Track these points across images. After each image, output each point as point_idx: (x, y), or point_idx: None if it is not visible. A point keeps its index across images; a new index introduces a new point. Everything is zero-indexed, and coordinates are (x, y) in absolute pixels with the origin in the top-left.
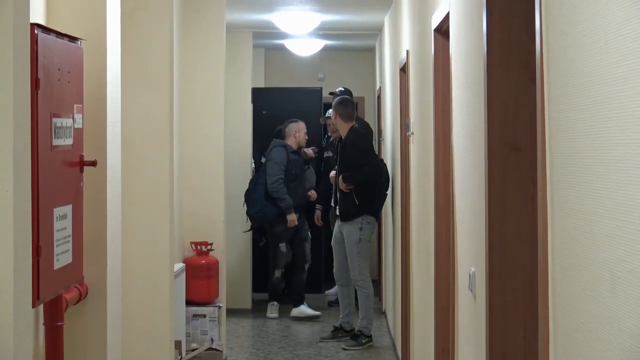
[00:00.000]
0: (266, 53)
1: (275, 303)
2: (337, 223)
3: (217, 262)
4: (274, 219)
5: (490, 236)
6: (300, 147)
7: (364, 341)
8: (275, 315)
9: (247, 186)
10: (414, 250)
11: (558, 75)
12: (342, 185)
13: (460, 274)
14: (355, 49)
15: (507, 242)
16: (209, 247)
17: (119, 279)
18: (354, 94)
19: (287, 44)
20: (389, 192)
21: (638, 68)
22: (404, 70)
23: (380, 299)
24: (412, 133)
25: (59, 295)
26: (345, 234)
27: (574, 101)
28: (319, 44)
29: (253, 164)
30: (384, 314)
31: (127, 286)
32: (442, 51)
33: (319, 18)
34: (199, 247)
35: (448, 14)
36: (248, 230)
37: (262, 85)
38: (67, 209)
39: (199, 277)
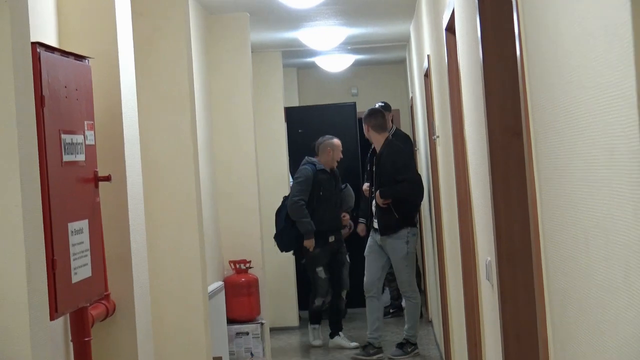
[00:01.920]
0: (298, 72)
1: (317, 326)
2: (374, 235)
3: (256, 280)
4: (297, 241)
5: (496, 222)
6: (332, 167)
7: (409, 349)
8: (319, 342)
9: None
10: (447, 253)
11: (537, 61)
12: (379, 201)
13: (480, 266)
14: (386, 62)
15: (513, 227)
16: (247, 264)
17: (147, 295)
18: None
19: (318, 61)
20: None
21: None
22: (427, 75)
23: (426, 308)
24: (438, 136)
25: (84, 311)
26: (390, 248)
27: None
28: (349, 59)
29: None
30: (430, 322)
31: (160, 304)
32: (452, 49)
33: (344, 32)
34: (237, 266)
35: (454, 10)
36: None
37: (296, 104)
38: (83, 224)
39: (240, 295)
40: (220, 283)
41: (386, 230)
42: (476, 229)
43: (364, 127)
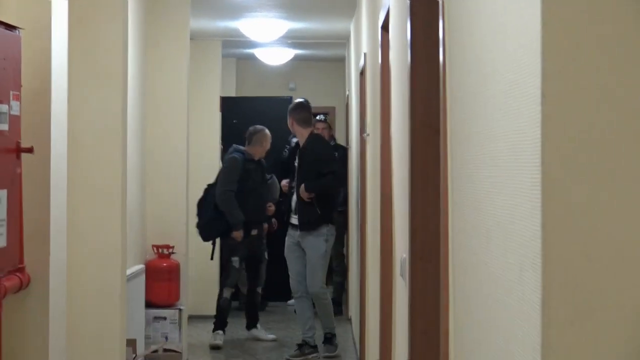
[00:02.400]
0: (237, 62)
1: (221, 332)
2: (292, 232)
3: (178, 265)
4: (223, 232)
5: (412, 219)
6: (260, 158)
7: (336, 341)
8: (219, 342)
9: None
10: (368, 250)
11: (456, 64)
12: (303, 195)
13: (396, 264)
14: (326, 59)
15: (428, 224)
16: (170, 250)
17: (63, 272)
18: (325, 104)
19: (258, 53)
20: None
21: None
22: (362, 73)
23: (347, 306)
24: (368, 134)
25: None
26: (308, 245)
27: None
28: (289, 53)
29: None
30: (349, 320)
31: (77, 282)
32: (386, 48)
33: (286, 25)
34: (160, 250)
35: (389, 9)
36: (212, 254)
37: (233, 95)
38: (1, 194)
39: (160, 280)
40: (141, 266)
41: (306, 226)
42: (395, 226)
43: (289, 120)
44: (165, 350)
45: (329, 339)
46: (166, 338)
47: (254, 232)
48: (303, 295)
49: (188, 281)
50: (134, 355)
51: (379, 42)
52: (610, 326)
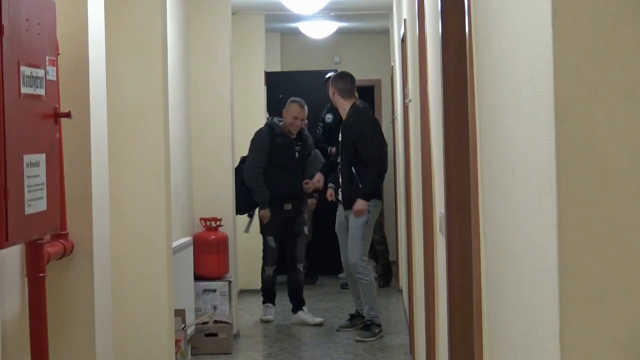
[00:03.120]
0: (282, 38)
1: (271, 305)
2: (340, 208)
3: (226, 238)
4: (253, 207)
5: (447, 169)
6: (288, 131)
7: (376, 331)
8: (270, 317)
9: None
10: (414, 216)
11: (482, 34)
12: (362, 206)
13: (436, 221)
14: (370, 31)
15: (462, 175)
16: (218, 222)
17: (107, 239)
18: (370, 77)
19: (301, 26)
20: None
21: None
22: (403, 40)
23: (397, 279)
24: (410, 100)
25: (40, 246)
26: (351, 217)
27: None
28: (332, 26)
29: None
30: (400, 291)
31: (122, 251)
32: (422, 12)
33: None
34: (208, 223)
35: None
36: (247, 228)
37: (278, 70)
38: (40, 157)
39: (208, 252)
40: (189, 238)
41: (350, 203)
42: (434, 185)
43: (330, 89)
44: (215, 322)
45: (368, 325)
46: (214, 308)
47: (287, 207)
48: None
49: (238, 255)
50: (183, 325)
51: (416, 8)
52: (625, 242)
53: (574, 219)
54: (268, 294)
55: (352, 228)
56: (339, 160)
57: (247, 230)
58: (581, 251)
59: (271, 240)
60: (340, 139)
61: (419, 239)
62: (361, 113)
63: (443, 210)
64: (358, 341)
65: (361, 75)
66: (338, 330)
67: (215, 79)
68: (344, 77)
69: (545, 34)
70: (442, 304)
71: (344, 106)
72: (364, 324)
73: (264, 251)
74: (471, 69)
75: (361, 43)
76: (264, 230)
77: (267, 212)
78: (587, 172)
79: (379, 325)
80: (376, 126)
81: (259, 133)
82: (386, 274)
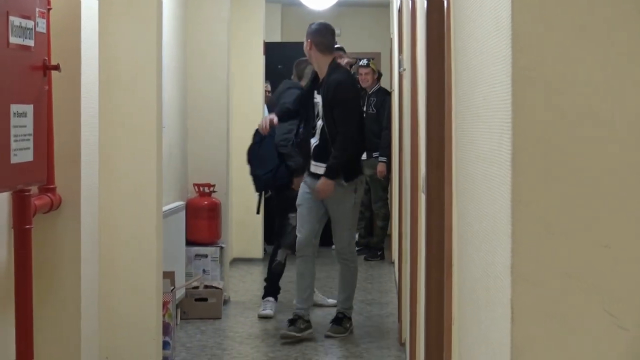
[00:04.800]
0: (283, 9)
1: (272, 300)
2: (311, 182)
3: (218, 204)
4: (286, 183)
5: (428, 128)
6: None
7: (348, 325)
8: (269, 312)
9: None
10: (404, 187)
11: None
12: (328, 186)
13: (420, 183)
14: (371, 4)
15: (441, 136)
16: (211, 188)
17: (95, 196)
18: (370, 49)
19: None
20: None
21: None
22: (400, 11)
23: (390, 251)
24: (404, 69)
25: (27, 198)
26: (334, 198)
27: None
28: None
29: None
30: (392, 263)
31: (111, 209)
32: None
33: None
34: (201, 189)
35: None
36: (258, 208)
37: (278, 40)
38: (27, 108)
39: (201, 218)
40: (182, 202)
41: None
42: (420, 146)
43: (305, 42)
44: (205, 286)
45: (340, 319)
46: (204, 270)
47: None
48: (309, 255)
49: (231, 223)
50: (172, 287)
51: None
52: (576, 180)
53: (528, 155)
54: (271, 287)
55: (339, 212)
56: (314, 125)
57: (258, 211)
58: (533, 186)
59: (294, 218)
60: (319, 101)
61: (408, 206)
62: (344, 72)
63: (424, 170)
64: (327, 337)
65: (361, 47)
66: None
67: (212, 45)
68: (323, 30)
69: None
70: (424, 266)
71: (320, 62)
72: (336, 317)
73: (279, 231)
74: (449, 32)
75: (362, 15)
76: (288, 207)
77: (300, 180)
78: (541, 109)
79: (350, 319)
80: (356, 91)
81: (292, 94)
82: (381, 248)
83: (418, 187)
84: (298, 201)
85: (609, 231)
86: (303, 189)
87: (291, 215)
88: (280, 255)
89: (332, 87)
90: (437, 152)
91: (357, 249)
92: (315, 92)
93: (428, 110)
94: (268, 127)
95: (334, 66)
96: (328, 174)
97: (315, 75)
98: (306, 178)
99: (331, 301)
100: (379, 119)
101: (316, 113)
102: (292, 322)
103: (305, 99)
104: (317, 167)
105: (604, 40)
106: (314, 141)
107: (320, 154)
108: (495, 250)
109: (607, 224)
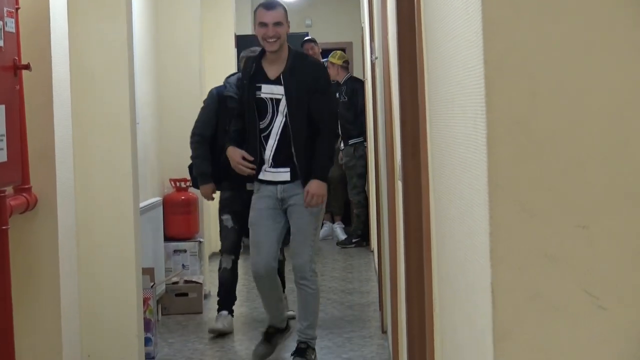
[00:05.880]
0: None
1: (225, 313)
2: (268, 191)
3: (196, 198)
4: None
5: (402, 116)
6: None
7: (313, 357)
8: (221, 327)
9: None
10: (381, 175)
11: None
12: (323, 190)
13: (397, 170)
14: None
15: (415, 121)
16: (187, 183)
17: (71, 195)
18: (342, 39)
19: None
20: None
21: None
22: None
23: (369, 241)
24: (377, 57)
25: (2, 199)
26: (297, 207)
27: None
28: None
29: None
30: (372, 252)
31: (87, 208)
32: None
33: None
34: (177, 184)
35: None
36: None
37: (249, 33)
38: None
39: (178, 213)
40: (159, 198)
41: (306, 176)
42: (395, 134)
43: (285, 24)
44: (185, 281)
45: (303, 350)
46: (183, 265)
47: (250, 186)
48: (272, 280)
49: (209, 217)
50: (152, 284)
51: None
52: (553, 159)
53: (503, 136)
54: (224, 298)
55: (302, 220)
56: (262, 124)
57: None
58: (510, 168)
59: (227, 220)
60: (276, 94)
61: (385, 192)
62: (309, 58)
63: (399, 157)
64: None
65: (333, 37)
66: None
67: (184, 40)
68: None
69: None
70: (403, 254)
71: (286, 48)
72: (298, 348)
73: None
74: (419, 12)
75: (332, 5)
76: (220, 207)
77: (206, 188)
78: (515, 91)
79: (314, 350)
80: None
81: (209, 94)
82: (363, 236)
83: (395, 175)
84: (252, 220)
85: (586, 212)
86: (258, 204)
87: (223, 217)
88: (225, 262)
89: (311, 70)
90: (412, 140)
91: (354, 240)
92: (264, 84)
93: (402, 98)
94: (247, 167)
95: (296, 51)
96: (322, 174)
97: (258, 66)
98: (261, 189)
99: (290, 313)
100: (352, 106)
101: (269, 110)
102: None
103: (249, 96)
104: (279, 174)
105: (577, 21)
106: (271, 143)
107: (280, 158)
108: (473, 235)
109: (584, 205)
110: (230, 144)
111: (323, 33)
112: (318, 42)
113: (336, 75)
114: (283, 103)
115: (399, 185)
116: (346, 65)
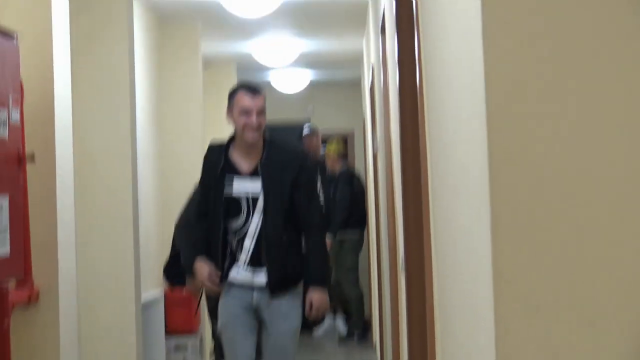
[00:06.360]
0: None
1: None
2: (241, 296)
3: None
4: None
5: (405, 208)
6: None
7: None
8: None
9: None
10: (383, 264)
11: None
12: (318, 301)
13: (400, 262)
14: (343, 82)
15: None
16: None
17: (73, 288)
18: (343, 127)
19: (273, 77)
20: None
21: None
22: (372, 89)
23: (372, 334)
24: (378, 151)
25: (4, 293)
26: (278, 316)
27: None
28: (305, 76)
29: None
30: (374, 348)
31: (90, 304)
32: (385, 49)
33: (298, 45)
34: None
35: (384, 11)
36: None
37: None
38: (2, 201)
39: (180, 306)
40: (160, 293)
41: (281, 285)
42: (398, 225)
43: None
44: None
45: None
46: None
47: None
48: None
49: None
50: None
51: (381, 57)
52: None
53: (508, 227)
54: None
55: (287, 338)
56: (239, 220)
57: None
58: (515, 263)
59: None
60: (252, 189)
61: (387, 286)
62: (287, 146)
63: (402, 251)
64: None
65: (334, 125)
66: None
67: (188, 130)
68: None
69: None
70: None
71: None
72: None
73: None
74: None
75: (334, 93)
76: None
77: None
78: (520, 181)
79: None
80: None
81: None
82: (365, 331)
83: (397, 267)
84: (224, 322)
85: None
86: (234, 307)
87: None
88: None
89: (290, 160)
90: (415, 233)
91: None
92: (235, 180)
93: (404, 193)
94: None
95: (271, 139)
96: (321, 280)
97: (226, 159)
98: (235, 292)
99: None
100: (342, 199)
101: (243, 209)
102: None
103: (215, 194)
104: (258, 275)
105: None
106: (247, 244)
107: (258, 258)
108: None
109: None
110: (199, 256)
111: (324, 121)
112: (320, 128)
113: (331, 166)
114: (261, 200)
115: (402, 277)
116: (342, 156)
